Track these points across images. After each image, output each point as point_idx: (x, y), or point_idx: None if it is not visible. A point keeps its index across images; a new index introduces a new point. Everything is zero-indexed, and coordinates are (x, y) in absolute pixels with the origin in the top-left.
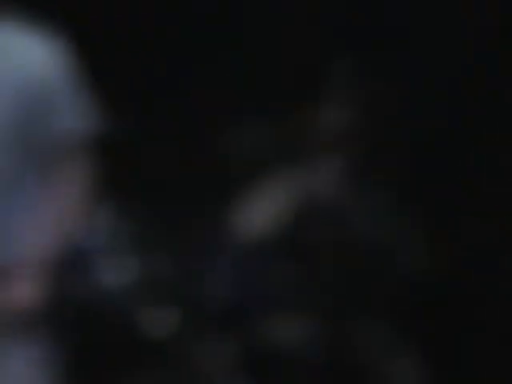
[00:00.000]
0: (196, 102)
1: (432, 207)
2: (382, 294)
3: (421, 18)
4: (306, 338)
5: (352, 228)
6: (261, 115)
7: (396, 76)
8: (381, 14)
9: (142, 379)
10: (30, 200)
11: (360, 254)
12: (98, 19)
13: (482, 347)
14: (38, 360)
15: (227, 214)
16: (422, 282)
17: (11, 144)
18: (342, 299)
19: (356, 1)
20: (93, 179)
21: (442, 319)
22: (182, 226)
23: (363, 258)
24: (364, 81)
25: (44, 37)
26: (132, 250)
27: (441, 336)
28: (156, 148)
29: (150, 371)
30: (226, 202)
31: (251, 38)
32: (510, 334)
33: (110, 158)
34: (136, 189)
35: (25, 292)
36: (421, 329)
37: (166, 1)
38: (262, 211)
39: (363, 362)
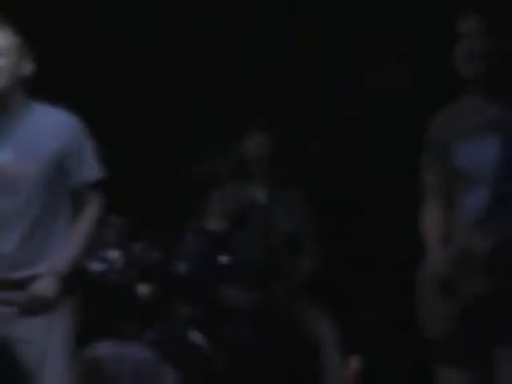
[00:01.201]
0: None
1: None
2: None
3: None
4: (248, 300)
5: (276, 222)
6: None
7: None
8: None
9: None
10: (61, 226)
11: (280, 239)
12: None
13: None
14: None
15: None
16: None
17: (45, 180)
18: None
19: None
20: (101, 211)
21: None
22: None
23: (282, 241)
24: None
25: (69, 116)
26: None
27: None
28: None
29: (136, 321)
30: (194, 205)
31: None
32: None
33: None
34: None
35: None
36: (329, 297)
37: None
38: (218, 213)
39: (292, 319)
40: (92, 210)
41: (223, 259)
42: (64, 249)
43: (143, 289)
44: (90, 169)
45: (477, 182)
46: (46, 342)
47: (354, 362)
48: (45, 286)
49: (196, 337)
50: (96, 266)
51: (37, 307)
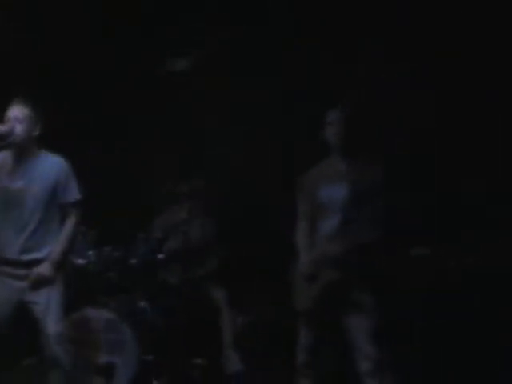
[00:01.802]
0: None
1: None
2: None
3: None
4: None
5: (193, 236)
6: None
7: None
8: None
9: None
10: (54, 227)
11: (193, 249)
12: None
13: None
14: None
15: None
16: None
17: (48, 202)
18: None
19: None
20: (79, 221)
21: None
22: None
23: (197, 249)
24: None
25: (60, 160)
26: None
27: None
28: None
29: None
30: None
31: None
32: None
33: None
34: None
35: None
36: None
37: None
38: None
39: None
40: (73, 220)
41: (161, 256)
42: (57, 244)
43: (110, 275)
44: (72, 193)
45: (331, 211)
46: (47, 303)
47: (243, 319)
48: (45, 268)
49: (144, 306)
50: (79, 261)
51: (41, 281)
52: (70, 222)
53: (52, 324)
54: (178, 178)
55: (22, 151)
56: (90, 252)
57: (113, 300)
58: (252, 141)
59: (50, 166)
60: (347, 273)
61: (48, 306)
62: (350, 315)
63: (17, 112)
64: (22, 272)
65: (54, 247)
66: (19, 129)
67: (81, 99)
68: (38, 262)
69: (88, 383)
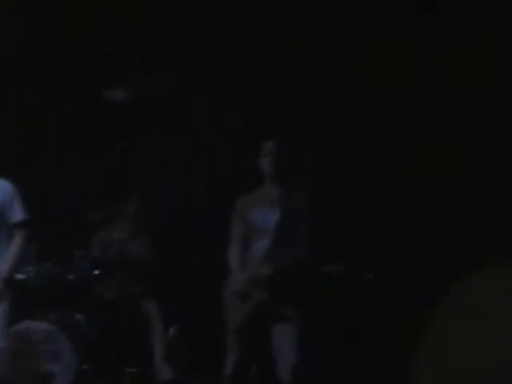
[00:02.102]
0: None
1: None
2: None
3: None
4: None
5: (128, 253)
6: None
7: None
8: None
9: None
10: (3, 250)
11: (128, 265)
12: None
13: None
14: None
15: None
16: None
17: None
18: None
19: None
20: (24, 241)
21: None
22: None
23: (132, 265)
24: None
25: (2, 180)
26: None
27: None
28: None
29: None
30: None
31: None
32: None
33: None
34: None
35: None
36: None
37: None
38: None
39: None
40: (19, 240)
41: (96, 272)
42: (5, 263)
43: (49, 290)
44: (17, 213)
45: (263, 234)
46: None
47: (173, 330)
48: None
49: (80, 319)
50: (19, 276)
51: None
52: (17, 241)
53: None
54: (115, 199)
55: None
56: (29, 268)
57: (51, 313)
58: (189, 166)
59: None
60: (276, 292)
61: None
62: (276, 328)
63: None
64: None
65: (1, 265)
66: None
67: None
68: None
69: None
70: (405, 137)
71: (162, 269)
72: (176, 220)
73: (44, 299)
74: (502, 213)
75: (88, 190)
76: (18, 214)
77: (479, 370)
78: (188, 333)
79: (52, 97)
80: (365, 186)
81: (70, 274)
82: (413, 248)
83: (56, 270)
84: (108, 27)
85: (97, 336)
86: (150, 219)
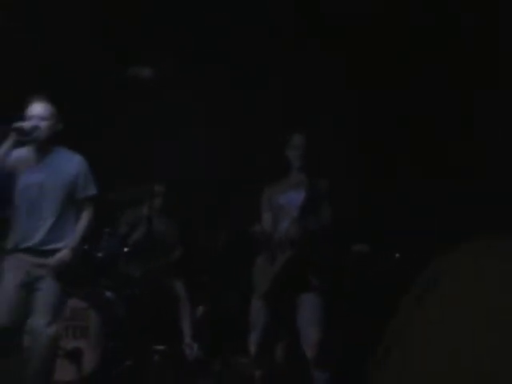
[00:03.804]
0: None
1: None
2: None
3: None
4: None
5: (155, 231)
6: None
7: None
8: None
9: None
10: (67, 219)
11: (155, 242)
12: None
13: None
14: None
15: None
16: None
17: (66, 196)
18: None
19: None
20: (93, 216)
21: None
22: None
23: (159, 243)
24: None
25: (76, 154)
26: None
27: None
28: None
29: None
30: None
31: None
32: None
33: None
34: None
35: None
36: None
37: None
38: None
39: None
40: (90, 213)
41: (125, 250)
42: (75, 233)
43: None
44: (88, 189)
45: (289, 213)
46: (47, 290)
47: (200, 309)
48: (66, 254)
49: (109, 296)
50: None
51: (61, 266)
52: (87, 215)
53: (46, 313)
54: (143, 178)
55: (43, 147)
56: None
57: (80, 291)
58: (213, 148)
59: (70, 162)
60: (301, 254)
61: (48, 293)
62: (301, 295)
63: (40, 109)
64: (39, 261)
65: (72, 236)
66: (43, 125)
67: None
68: (55, 252)
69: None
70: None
71: (189, 247)
72: (202, 198)
73: (73, 277)
74: None
75: (116, 168)
76: (90, 188)
77: None
78: (215, 312)
79: (77, 76)
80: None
81: (99, 251)
82: (439, 228)
83: (85, 248)
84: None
85: (125, 313)
86: (174, 198)
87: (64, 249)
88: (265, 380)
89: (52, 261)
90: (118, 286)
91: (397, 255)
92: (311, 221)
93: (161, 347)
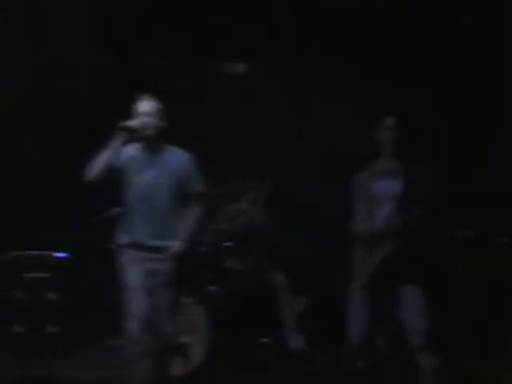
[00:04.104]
0: None
1: None
2: None
3: None
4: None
5: (256, 224)
6: None
7: None
8: None
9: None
10: (177, 215)
11: (257, 235)
12: None
13: None
14: None
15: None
16: None
17: (176, 193)
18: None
19: None
20: (202, 212)
21: None
22: None
23: (260, 236)
24: None
25: (184, 151)
26: None
27: None
28: None
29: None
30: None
31: None
32: None
33: None
34: None
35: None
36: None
37: None
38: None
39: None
40: (199, 209)
41: (227, 244)
42: (186, 226)
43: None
44: (197, 185)
45: (384, 203)
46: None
47: (302, 300)
48: (179, 245)
49: (213, 290)
50: None
51: (174, 258)
52: (197, 210)
53: (165, 311)
54: (243, 173)
55: (151, 144)
56: None
57: (185, 286)
58: (308, 143)
59: (178, 159)
60: (402, 245)
61: (164, 290)
62: (405, 286)
63: (146, 106)
64: (153, 256)
65: (183, 228)
66: (150, 123)
67: None
68: (167, 247)
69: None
70: None
71: (289, 240)
72: (299, 193)
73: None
74: None
75: (216, 163)
76: (198, 185)
77: None
78: (316, 303)
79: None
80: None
81: (202, 246)
82: None
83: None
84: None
85: (229, 307)
86: (274, 193)
87: (176, 243)
88: (367, 370)
89: (166, 254)
90: (222, 280)
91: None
92: (409, 211)
93: (265, 340)
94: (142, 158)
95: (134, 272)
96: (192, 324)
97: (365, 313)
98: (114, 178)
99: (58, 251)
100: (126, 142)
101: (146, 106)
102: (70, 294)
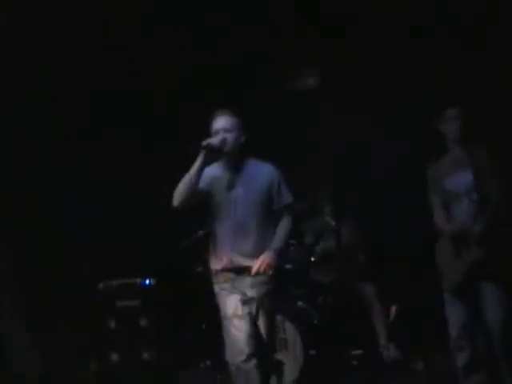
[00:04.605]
0: None
1: None
2: None
3: None
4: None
5: (341, 237)
6: None
7: None
8: None
9: None
10: (268, 230)
11: (343, 248)
12: None
13: None
14: None
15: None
16: None
17: (267, 207)
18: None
19: None
20: (292, 223)
21: None
22: None
23: (346, 249)
24: None
25: (268, 164)
26: None
27: None
28: None
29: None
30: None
31: None
32: None
33: None
34: None
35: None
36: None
37: None
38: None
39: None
40: (289, 220)
41: (312, 259)
42: (276, 236)
43: None
44: (285, 197)
45: (460, 197)
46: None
47: (393, 310)
48: (269, 256)
49: (302, 305)
50: None
51: (265, 269)
52: (287, 221)
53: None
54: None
55: (234, 160)
56: None
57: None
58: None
59: (262, 172)
60: (489, 250)
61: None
62: (487, 285)
63: (224, 122)
64: (248, 279)
65: (275, 238)
66: (229, 138)
67: None
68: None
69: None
70: None
71: (372, 251)
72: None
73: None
74: None
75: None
76: (285, 197)
77: None
78: (407, 311)
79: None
80: None
81: (288, 263)
82: None
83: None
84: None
85: (320, 321)
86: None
87: (267, 254)
88: (466, 374)
89: (255, 267)
90: (310, 294)
91: None
92: (487, 203)
93: (358, 351)
94: (226, 176)
95: (235, 299)
96: (284, 341)
97: (458, 316)
98: (201, 200)
99: (146, 277)
100: (209, 162)
101: (222, 122)
102: (162, 320)
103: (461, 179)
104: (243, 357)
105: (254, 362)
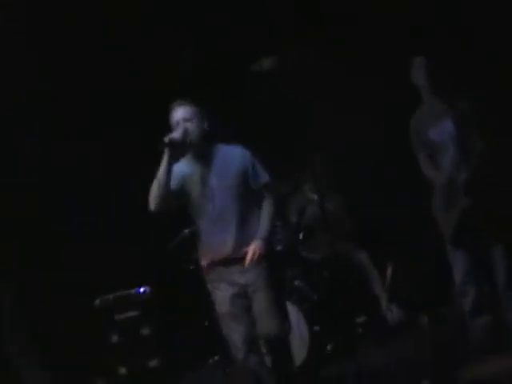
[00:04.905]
0: None
1: None
2: None
3: None
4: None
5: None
6: None
7: None
8: None
9: None
10: (251, 213)
11: (329, 220)
12: None
13: None
14: None
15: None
16: None
17: (245, 191)
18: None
19: None
20: (275, 204)
21: None
22: None
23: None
24: None
25: (234, 146)
26: None
27: None
28: None
29: None
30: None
31: None
32: None
33: None
34: None
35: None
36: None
37: None
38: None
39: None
40: (270, 200)
41: (300, 236)
42: (261, 223)
43: None
44: (261, 176)
45: (445, 147)
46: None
47: (389, 270)
48: (258, 245)
49: (299, 284)
50: None
51: (255, 259)
52: (268, 203)
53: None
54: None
55: (201, 150)
56: None
57: None
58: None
59: (234, 155)
60: (478, 200)
61: (258, 285)
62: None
63: (182, 112)
64: (237, 268)
65: (261, 224)
66: (190, 127)
67: None
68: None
69: None
70: None
71: (359, 222)
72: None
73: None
74: None
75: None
76: (261, 176)
77: None
78: (404, 270)
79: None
80: None
81: (276, 245)
82: None
83: None
84: None
85: (320, 297)
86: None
87: (256, 242)
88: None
89: (248, 259)
90: (305, 272)
91: None
92: (470, 151)
93: (362, 319)
94: (197, 170)
95: (225, 296)
96: (288, 323)
97: (459, 267)
98: (178, 200)
99: (140, 286)
100: (176, 159)
101: (180, 112)
102: (163, 325)
103: (444, 129)
104: (241, 355)
105: (253, 358)
